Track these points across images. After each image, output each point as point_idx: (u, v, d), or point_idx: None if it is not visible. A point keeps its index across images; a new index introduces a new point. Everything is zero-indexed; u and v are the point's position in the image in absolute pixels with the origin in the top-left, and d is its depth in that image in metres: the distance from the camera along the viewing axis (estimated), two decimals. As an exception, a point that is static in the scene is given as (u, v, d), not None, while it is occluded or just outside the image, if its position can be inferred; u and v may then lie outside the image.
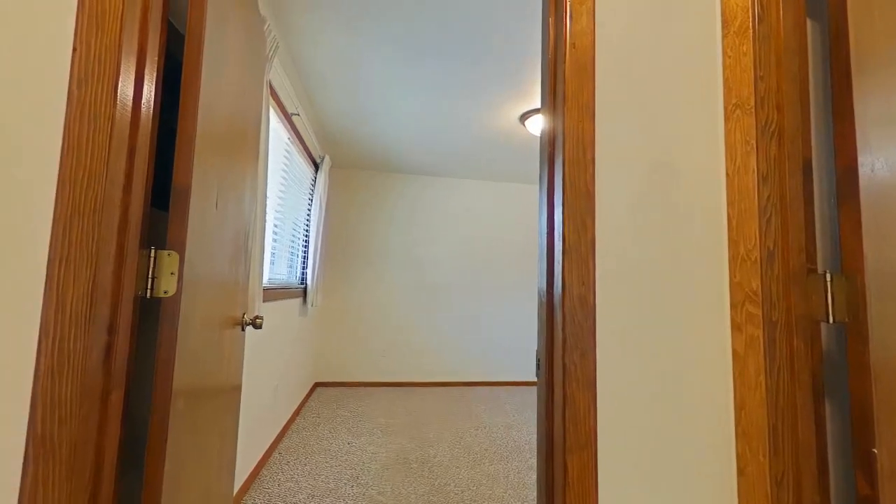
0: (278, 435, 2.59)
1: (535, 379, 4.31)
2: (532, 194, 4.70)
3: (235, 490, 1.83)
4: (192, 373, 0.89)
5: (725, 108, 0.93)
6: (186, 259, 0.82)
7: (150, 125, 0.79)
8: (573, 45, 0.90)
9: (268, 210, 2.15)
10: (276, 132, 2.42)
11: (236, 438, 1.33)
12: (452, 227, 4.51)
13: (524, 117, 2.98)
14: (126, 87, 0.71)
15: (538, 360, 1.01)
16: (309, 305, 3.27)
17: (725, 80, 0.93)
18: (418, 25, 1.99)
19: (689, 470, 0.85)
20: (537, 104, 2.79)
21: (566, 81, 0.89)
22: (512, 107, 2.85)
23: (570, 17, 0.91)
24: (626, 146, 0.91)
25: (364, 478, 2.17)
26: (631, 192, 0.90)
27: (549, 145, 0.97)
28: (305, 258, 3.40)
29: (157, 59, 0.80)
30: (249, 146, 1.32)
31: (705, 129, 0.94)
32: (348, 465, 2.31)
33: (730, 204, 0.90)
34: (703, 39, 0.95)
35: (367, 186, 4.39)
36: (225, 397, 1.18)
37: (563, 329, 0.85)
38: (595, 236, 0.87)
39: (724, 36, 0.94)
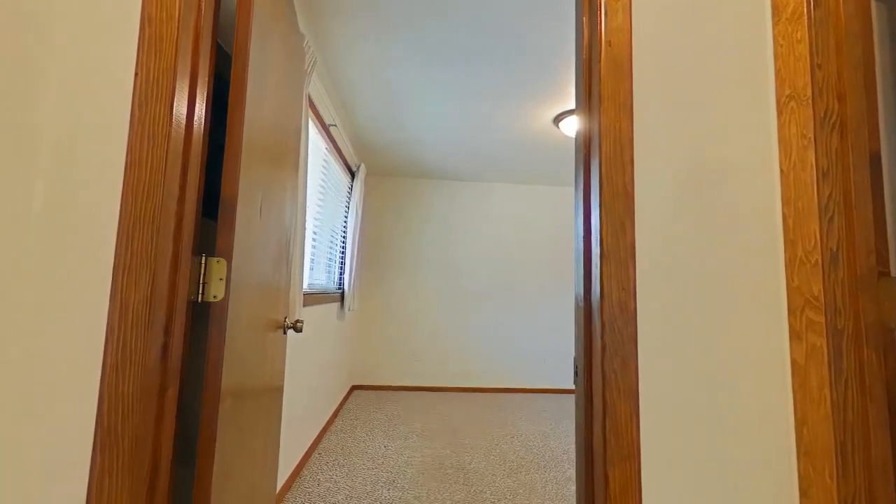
0: (318, 436, 2.67)
1: (573, 386, 4.17)
2: (567, 197, 4.60)
3: (278, 488, 1.89)
4: (238, 373, 0.93)
5: (778, 101, 0.87)
6: (233, 265, 0.87)
7: (201, 141, 0.85)
8: (609, 43, 0.88)
9: (307, 217, 2.24)
10: (315, 143, 2.51)
11: (279, 437, 1.38)
12: (486, 231, 4.50)
13: (558, 119, 2.93)
14: (180, 107, 0.77)
15: (576, 367, 0.98)
16: (346, 310, 3.36)
17: (777, 71, 0.87)
18: (449, 33, 2.01)
19: (744, 488, 0.79)
20: (571, 105, 2.74)
21: (602, 80, 0.87)
22: (545, 109, 2.81)
23: (606, 14, 0.88)
24: (667, 145, 0.87)
25: (400, 482, 2.19)
26: (674, 192, 0.86)
27: (585, 146, 0.94)
28: (343, 264, 3.51)
29: (207, 79, 0.86)
30: (290, 157, 1.38)
31: (755, 124, 0.88)
32: (385, 469, 2.34)
33: (785, 202, 0.84)
34: (750, 29, 0.90)
35: (401, 193, 4.47)
36: (268, 397, 1.23)
37: (602, 335, 0.82)
38: (635, 239, 0.84)
39: (776, 23, 0.88)
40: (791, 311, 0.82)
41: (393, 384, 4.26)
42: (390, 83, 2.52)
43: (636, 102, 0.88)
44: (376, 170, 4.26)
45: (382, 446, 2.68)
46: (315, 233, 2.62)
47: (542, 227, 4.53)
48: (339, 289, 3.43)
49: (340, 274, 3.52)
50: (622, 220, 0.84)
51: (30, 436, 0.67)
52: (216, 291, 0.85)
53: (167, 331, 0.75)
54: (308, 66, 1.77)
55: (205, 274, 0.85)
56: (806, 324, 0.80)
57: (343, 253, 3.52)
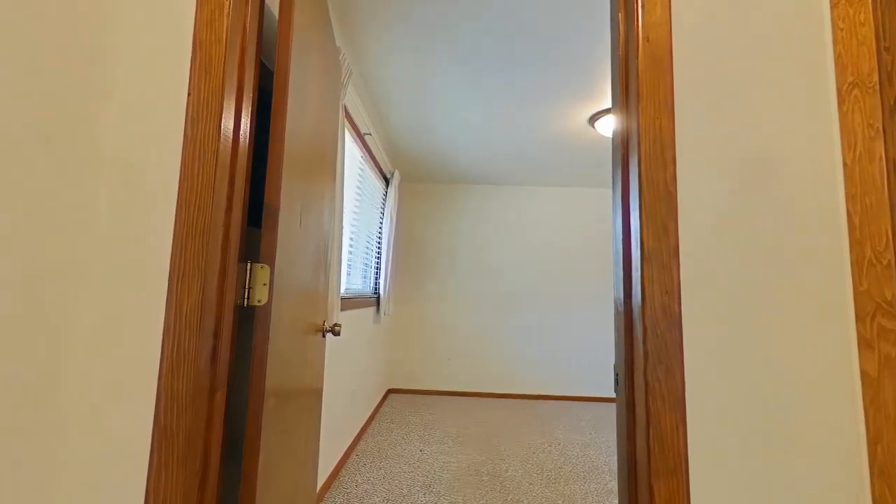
0: (355, 438, 2.73)
1: (614, 395, 4.02)
2: (604, 198, 4.46)
3: (318, 487, 1.95)
4: (280, 375, 0.97)
5: (839, 89, 0.80)
6: (276, 271, 0.91)
7: (246, 155, 0.90)
8: (646, 38, 0.85)
9: (344, 224, 2.31)
10: (351, 152, 2.59)
11: (318, 438, 1.42)
12: (520, 235, 4.44)
13: (594, 119, 2.85)
14: (228, 123, 0.82)
15: (616, 375, 0.94)
16: (382, 314, 3.42)
17: (838, 57, 0.81)
18: (482, 38, 2.01)
19: (808, 511, 0.73)
20: (607, 104, 2.66)
21: (639, 77, 0.84)
22: (580, 109, 2.74)
23: (643, 9, 0.85)
24: (713, 141, 0.82)
25: (436, 487, 2.19)
26: (721, 190, 0.81)
27: (623, 146, 0.91)
28: (378, 269, 3.58)
29: (251, 95, 0.91)
30: (328, 167, 1.43)
31: (811, 115, 0.82)
32: (421, 473, 2.35)
33: (849, 198, 0.77)
34: (803, 14, 0.84)
35: (435, 198, 4.51)
36: (308, 399, 1.27)
37: (644, 342, 0.78)
38: (679, 241, 0.80)
39: (834, 6, 0.82)
40: (860, 318, 0.75)
41: (428, 388, 4.27)
42: (424, 91, 2.56)
43: (678, 98, 0.84)
44: (410, 176, 4.32)
45: (418, 450, 2.69)
46: (351, 239, 2.69)
47: (579, 230, 4.42)
48: (375, 293, 3.50)
49: (376, 279, 3.59)
50: (664, 221, 0.80)
51: (100, 430, 0.73)
52: (260, 296, 0.89)
53: (216, 334, 0.80)
54: (344, 78, 1.83)
55: (250, 279, 0.90)
56: (878, 331, 0.73)
57: (378, 258, 3.60)
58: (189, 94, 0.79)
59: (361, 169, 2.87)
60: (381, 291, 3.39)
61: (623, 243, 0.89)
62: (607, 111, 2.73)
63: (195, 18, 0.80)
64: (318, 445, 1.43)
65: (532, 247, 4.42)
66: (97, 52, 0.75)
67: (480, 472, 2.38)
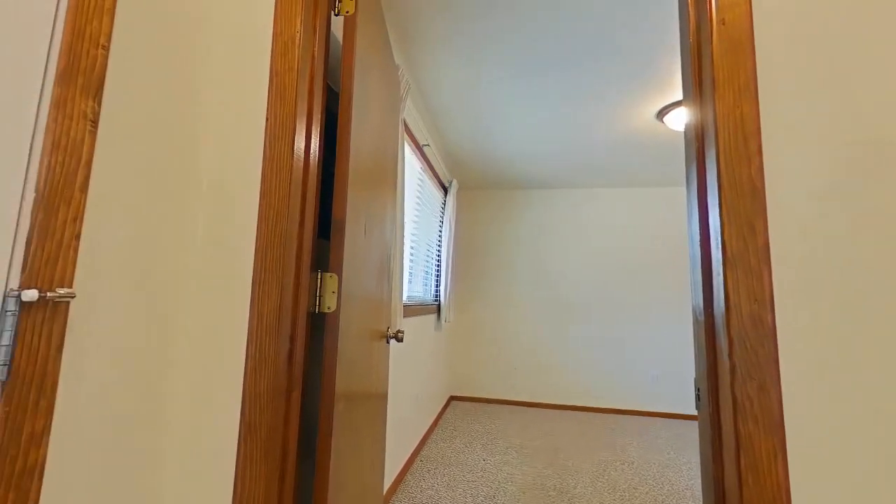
0: (419, 444, 2.77)
1: (695, 412, 3.66)
2: (676, 198, 4.13)
3: (384, 490, 2.00)
4: (348, 379, 1.02)
5: (977, 55, 0.67)
6: (343, 279, 0.96)
7: (316, 172, 0.97)
8: (722, 21, 0.78)
9: (405, 233, 2.38)
10: (410, 163, 2.68)
11: (385, 441, 1.47)
12: (585, 240, 4.25)
13: (663, 113, 2.66)
14: (300, 143, 0.89)
15: (697, 391, 0.86)
16: (443, 321, 3.45)
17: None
18: (537, 42, 1.98)
19: (956, 565, 0.60)
20: (677, 96, 2.47)
21: (715, 64, 0.77)
22: (646, 104, 2.58)
23: (715, -9, 0.79)
24: (810, 127, 0.73)
25: (500, 499, 2.14)
26: (820, 182, 0.71)
27: (698, 139, 0.84)
28: (438, 276, 3.63)
29: (320, 117, 0.98)
30: (389, 179, 1.50)
31: (941, 89, 0.69)
32: (484, 483, 2.32)
33: None
34: (925, -28, 0.72)
35: (494, 205, 4.49)
36: (374, 403, 1.32)
37: (731, 355, 0.71)
38: (769, 241, 0.71)
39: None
40: None
41: (490, 397, 4.22)
42: (480, 100, 2.58)
43: (762, 83, 0.75)
44: (468, 184, 4.36)
45: (481, 460, 2.66)
46: (412, 247, 2.77)
47: (649, 233, 4.13)
48: (436, 301, 3.55)
49: (436, 286, 3.65)
50: (750, 219, 0.72)
51: (197, 424, 0.81)
52: (330, 303, 0.95)
53: (292, 338, 0.86)
54: (403, 93, 1.90)
55: (320, 288, 0.96)
56: None
57: (438, 266, 3.66)
58: (267, 120, 0.87)
59: (420, 179, 2.96)
60: (442, 299, 3.43)
61: (701, 246, 0.82)
62: (678, 104, 2.54)
63: (271, 50, 0.89)
64: (384, 448, 1.47)
65: (598, 252, 4.21)
66: (196, 91, 0.86)
67: (546, 487, 2.29)
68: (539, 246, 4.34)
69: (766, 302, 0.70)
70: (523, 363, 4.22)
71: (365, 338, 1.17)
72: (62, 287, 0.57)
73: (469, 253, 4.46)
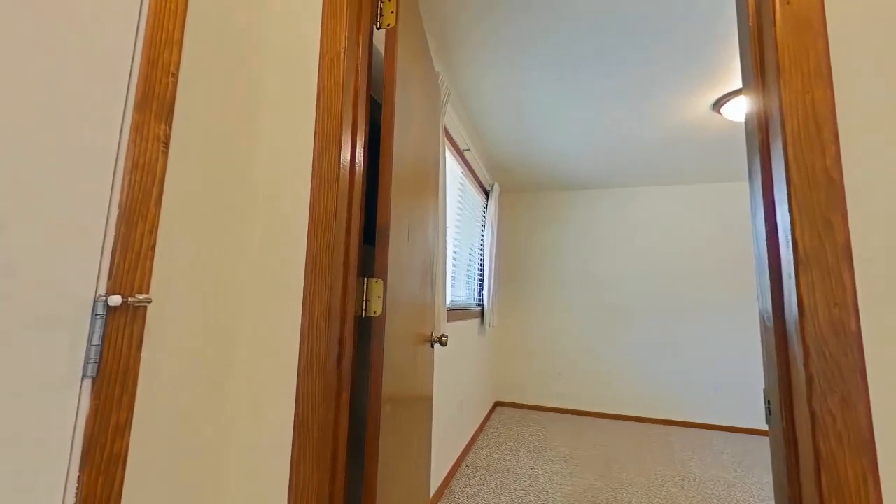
0: (464, 449, 2.76)
1: (765, 426, 3.36)
2: (737, 194, 3.83)
3: (431, 494, 2.01)
4: (394, 382, 1.04)
5: None
6: (388, 285, 0.98)
7: (361, 181, 1.00)
8: (786, 0, 0.72)
9: (447, 238, 2.40)
10: (451, 168, 2.70)
11: (430, 444, 1.48)
12: (635, 240, 4.06)
13: (719, 103, 2.49)
14: (345, 154, 0.93)
15: (768, 403, 0.79)
16: (486, 326, 3.43)
17: None
18: (578, 38, 1.93)
19: None
20: (735, 85, 2.30)
21: (779, 47, 0.71)
22: (700, 95, 2.43)
23: (777, -31, 0.73)
24: (893, 111, 0.65)
25: (549, 509, 2.08)
26: (911, 172, 0.63)
27: (761, 129, 0.78)
28: (481, 281, 3.62)
29: (364, 129, 1.02)
30: (431, 186, 1.52)
31: None
32: (532, 492, 2.26)
33: None
34: None
35: (536, 207, 4.41)
36: (420, 406, 1.33)
37: (807, 364, 0.64)
38: (850, 239, 0.64)
39: None
40: None
41: (538, 404, 4.12)
42: (520, 102, 2.55)
43: (836, 65, 0.68)
44: (510, 187, 4.31)
45: (529, 468, 2.60)
46: (455, 252, 2.78)
47: (707, 232, 3.86)
48: (479, 305, 3.54)
49: (479, 290, 3.63)
50: (826, 214, 0.66)
51: (256, 421, 0.87)
52: (375, 308, 0.97)
53: (341, 341, 0.89)
54: (443, 100, 1.93)
55: (366, 292, 0.99)
56: None
57: (481, 270, 3.64)
58: (315, 133, 0.92)
59: (462, 184, 2.97)
60: (485, 303, 3.41)
61: (768, 245, 0.75)
62: (737, 93, 2.36)
63: (318, 68, 0.94)
64: (430, 451, 1.48)
65: (650, 253, 4.00)
66: (252, 111, 0.92)
67: (598, 500, 2.19)
68: (586, 248, 4.20)
69: (848, 306, 0.63)
70: (571, 369, 4.08)
71: (409, 341, 1.19)
72: (140, 293, 0.63)
73: (512, 257, 4.41)
